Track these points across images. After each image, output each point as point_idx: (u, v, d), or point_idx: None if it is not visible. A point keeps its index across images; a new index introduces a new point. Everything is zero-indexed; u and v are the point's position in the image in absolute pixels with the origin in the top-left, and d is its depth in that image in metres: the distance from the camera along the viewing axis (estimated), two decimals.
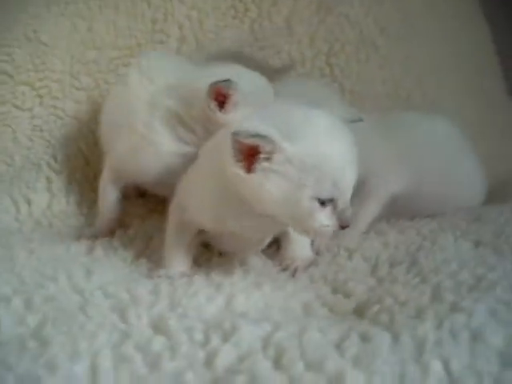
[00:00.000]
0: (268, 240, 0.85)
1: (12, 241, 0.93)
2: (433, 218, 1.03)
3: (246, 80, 0.86)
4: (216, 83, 0.81)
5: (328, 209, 0.66)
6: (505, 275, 0.65)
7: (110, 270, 0.79)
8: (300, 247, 0.84)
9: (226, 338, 0.53)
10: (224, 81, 0.81)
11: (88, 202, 1.15)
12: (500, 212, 1.02)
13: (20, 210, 1.10)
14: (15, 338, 0.54)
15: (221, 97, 0.83)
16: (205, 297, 0.66)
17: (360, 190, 0.91)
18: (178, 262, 0.82)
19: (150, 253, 0.90)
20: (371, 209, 1.00)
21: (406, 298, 0.62)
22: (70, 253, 0.87)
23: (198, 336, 0.54)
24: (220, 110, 0.83)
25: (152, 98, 0.92)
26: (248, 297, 0.67)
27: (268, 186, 0.65)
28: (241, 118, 0.73)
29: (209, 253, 0.89)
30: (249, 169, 0.66)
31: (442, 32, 1.48)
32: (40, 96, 1.22)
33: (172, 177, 0.85)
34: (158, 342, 0.53)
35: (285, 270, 0.82)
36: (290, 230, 0.81)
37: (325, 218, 0.66)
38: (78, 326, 0.56)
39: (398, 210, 1.02)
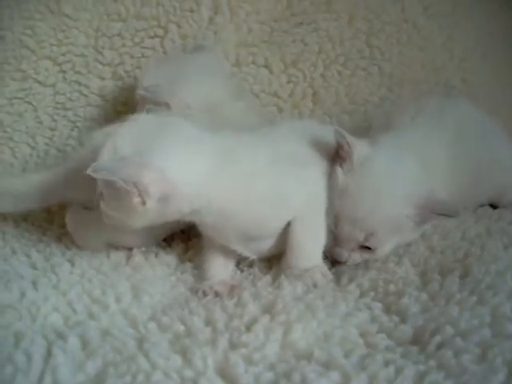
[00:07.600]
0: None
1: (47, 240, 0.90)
2: (477, 220, 0.98)
3: None
4: None
5: None
6: None
7: (157, 284, 0.77)
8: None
9: None
10: None
11: None
12: None
13: None
14: None
15: None
16: (262, 329, 0.63)
17: None
18: (218, 272, 0.80)
19: (192, 254, 0.87)
20: None
21: (466, 327, 0.60)
22: (110, 262, 0.83)
23: None
24: None
25: None
26: (305, 327, 0.64)
27: None
28: None
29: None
30: None
31: (486, 12, 1.37)
32: (63, 71, 1.16)
33: None
34: None
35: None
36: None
37: None
38: (144, 376, 0.53)
39: None
